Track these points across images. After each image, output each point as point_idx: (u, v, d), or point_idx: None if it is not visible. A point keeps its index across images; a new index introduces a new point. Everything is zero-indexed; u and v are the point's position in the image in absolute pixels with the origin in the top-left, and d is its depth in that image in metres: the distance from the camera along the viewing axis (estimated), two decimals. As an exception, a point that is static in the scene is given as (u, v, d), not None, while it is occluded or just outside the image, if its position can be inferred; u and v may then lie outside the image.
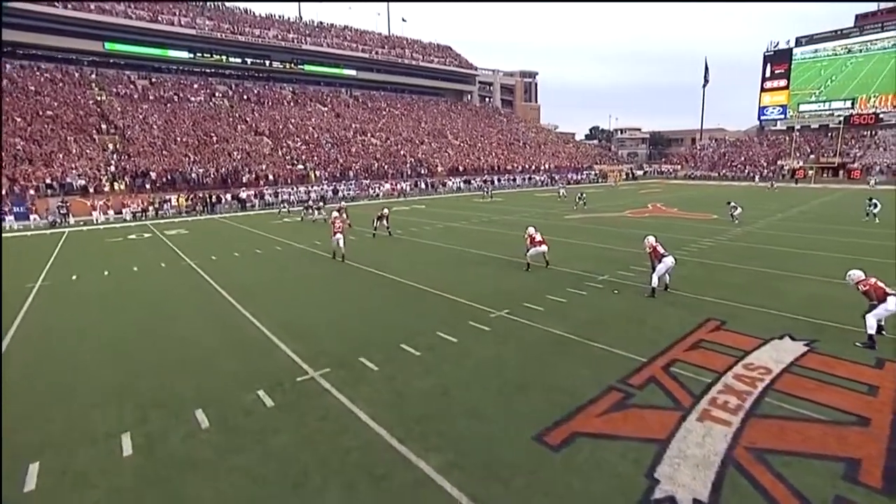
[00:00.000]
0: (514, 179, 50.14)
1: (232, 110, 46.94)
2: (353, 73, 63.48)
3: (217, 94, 49.32)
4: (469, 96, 79.35)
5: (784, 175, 47.20)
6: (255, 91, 52.92)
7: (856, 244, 14.85)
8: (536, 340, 7.44)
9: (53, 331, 8.50)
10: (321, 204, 24.70)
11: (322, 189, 34.26)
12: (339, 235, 13.47)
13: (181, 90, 47.36)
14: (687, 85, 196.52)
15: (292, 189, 33.21)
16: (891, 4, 56.35)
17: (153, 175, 31.70)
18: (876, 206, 19.67)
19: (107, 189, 29.26)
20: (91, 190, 28.68)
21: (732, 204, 20.31)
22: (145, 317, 9.01)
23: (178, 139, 38.18)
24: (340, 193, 34.49)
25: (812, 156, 52.48)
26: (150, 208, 27.44)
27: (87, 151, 32.74)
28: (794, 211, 24.38)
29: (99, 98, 40.78)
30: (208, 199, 28.25)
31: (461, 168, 49.84)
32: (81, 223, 25.56)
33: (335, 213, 14.61)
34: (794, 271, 11.49)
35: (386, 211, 17.80)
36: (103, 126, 37.08)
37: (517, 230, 18.90)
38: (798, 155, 52.45)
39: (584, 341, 7.35)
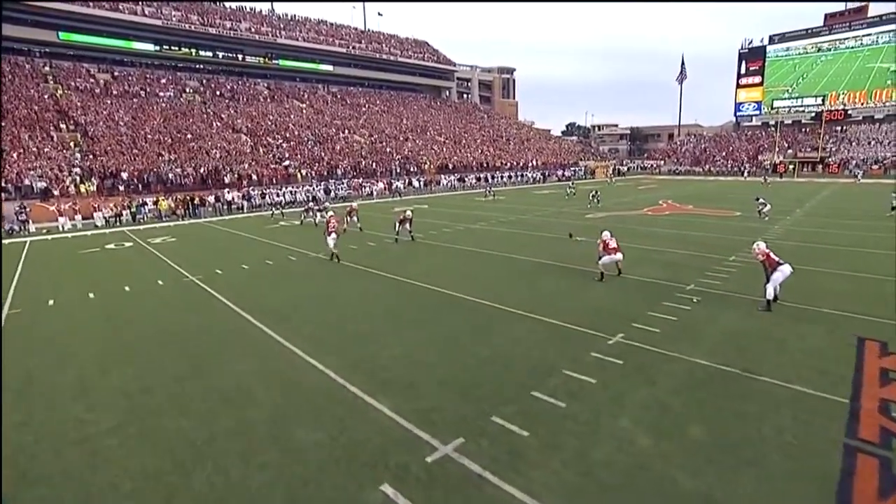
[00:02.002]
0: (510, 176, 48.91)
1: (205, 106, 43.79)
2: (329, 68, 60.97)
3: (188, 90, 45.98)
4: (447, 92, 77.89)
5: (767, 170, 47.92)
6: (229, 86, 49.73)
7: None
8: (688, 376, 6.06)
9: (38, 397, 5.93)
10: (326, 205, 22.64)
11: (313, 189, 32.02)
12: (334, 235, 13.26)
13: (148, 85, 43.80)
14: (660, 82, 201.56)
15: (281, 189, 30.83)
16: (858, 4, 58.30)
17: (125, 176, 28.72)
18: (902, 200, 19.39)
19: (73, 192, 26.19)
20: (56, 193, 25.58)
21: (761, 200, 19.65)
22: (164, 363, 6.85)
23: (149, 137, 35.04)
24: (332, 193, 32.34)
25: (790, 150, 53.66)
26: (126, 212, 24.64)
27: (46, 150, 29.39)
28: (808, 206, 24.06)
29: (55, 92, 37.00)
30: (190, 202, 25.64)
31: (450, 165, 48.29)
32: (44, 231, 22.62)
33: (330, 213, 14.03)
34: (876, 273, 10.63)
35: (409, 213, 16.12)
36: (62, 124, 33.55)
37: (548, 232, 17.64)
38: (777, 150, 53.51)
39: (744, 374, 6.03)
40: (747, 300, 9.01)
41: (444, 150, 53.02)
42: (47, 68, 40.07)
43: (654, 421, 5.06)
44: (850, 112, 56.41)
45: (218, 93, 47.74)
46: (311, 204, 22.87)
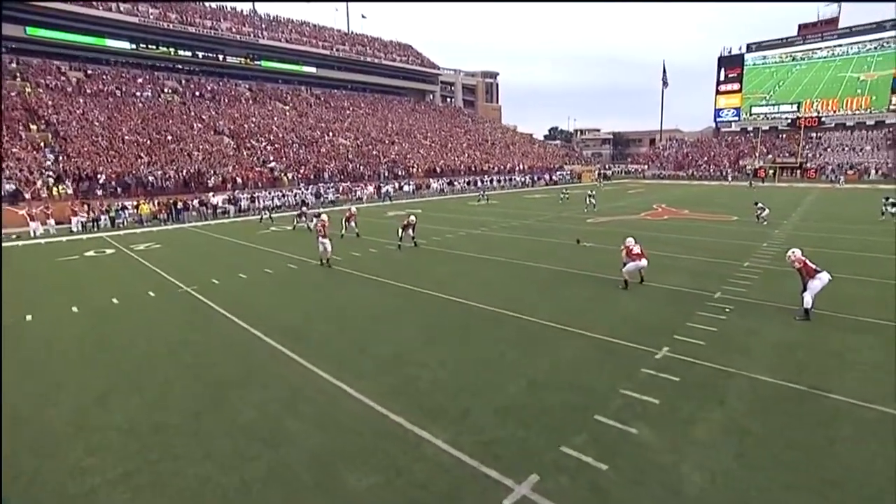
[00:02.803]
0: (499, 180, 48.60)
1: (185, 107, 42.26)
2: (313, 70, 59.95)
3: (167, 90, 44.38)
4: (431, 96, 77.56)
5: (748, 174, 48.94)
6: (210, 87, 48.23)
7: None
8: (754, 394, 5.67)
9: (26, 440, 5.03)
10: (320, 210, 21.80)
11: (302, 192, 31.04)
12: (326, 240, 12.81)
13: (124, 84, 42.05)
14: (639, 88, 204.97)
15: (270, 193, 29.77)
16: (829, 16, 60.18)
17: (102, 178, 27.28)
18: (894, 205, 19.73)
19: (45, 195, 24.68)
20: (28, 196, 24.04)
21: (760, 205, 19.73)
22: (174, 392, 5.98)
23: (127, 138, 33.50)
24: (322, 198, 31.44)
25: (769, 156, 54.96)
26: (104, 217, 23.30)
27: (15, 150, 27.71)
28: (800, 211, 24.38)
29: (24, 90, 35.08)
30: (174, 206, 24.44)
31: (438, 169, 47.81)
32: (14, 237, 21.12)
33: (323, 216, 13.57)
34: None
35: (413, 218, 15.55)
36: (32, 123, 31.77)
37: (554, 238, 17.28)
38: (757, 155, 54.77)
39: (813, 392, 5.67)
40: (779, 308, 8.76)
41: (431, 153, 52.54)
42: (14, 65, 38.01)
43: (741, 448, 4.62)
44: (823, 119, 58.19)
45: (198, 93, 46.23)
46: (304, 209, 21.96)
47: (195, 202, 25.54)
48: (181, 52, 48.39)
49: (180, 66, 49.03)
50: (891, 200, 20.02)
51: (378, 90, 67.01)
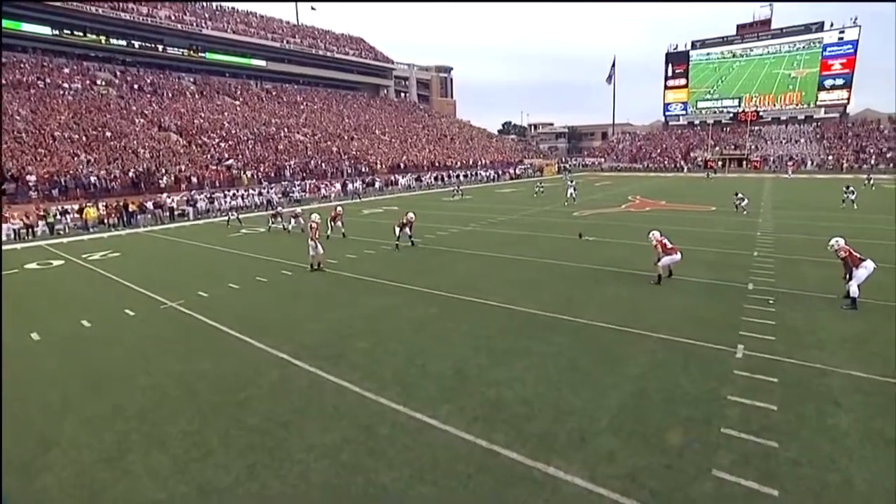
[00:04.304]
0: (466, 175, 47.92)
1: (123, 101, 38.54)
2: (262, 63, 56.91)
3: (100, 82, 40.29)
4: (386, 91, 75.80)
5: (700, 166, 51.33)
6: (149, 80, 44.38)
7: (881, 230, 15.07)
8: (864, 395, 5.36)
9: None
10: (297, 210, 20.19)
11: (267, 191, 28.98)
12: (316, 242, 11.93)
13: (47, 74, 37.71)
14: (587, 84, 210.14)
15: (236, 192, 27.51)
16: (763, 17, 64.18)
17: (32, 179, 24.11)
18: (853, 193, 20.94)
19: (-37, 201, 21.43)
20: (-58, 203, 20.77)
21: (740, 195, 20.32)
22: (208, 442, 4.79)
23: (57, 134, 29.95)
24: (288, 196, 29.53)
25: (717, 148, 57.97)
26: (40, 223, 20.51)
27: (-78, 151, 23.94)
28: (767, 200, 25.45)
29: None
30: (125, 209, 21.93)
31: (402, 165, 46.60)
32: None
33: (315, 217, 12.51)
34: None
35: (412, 216, 14.58)
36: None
37: (552, 232, 16.88)
38: (705, 147, 57.62)
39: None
40: (818, 298, 8.72)
41: (392, 149, 51.22)
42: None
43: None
44: (761, 114, 62.09)
45: (136, 86, 42.37)
46: (279, 209, 20.32)
47: (149, 204, 23.07)
48: (113, 41, 44.13)
49: (113, 56, 44.73)
50: (851, 189, 21.24)
51: (331, 85, 64.65)
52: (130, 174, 27.32)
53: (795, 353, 6.42)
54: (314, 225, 12.06)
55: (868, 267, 8.06)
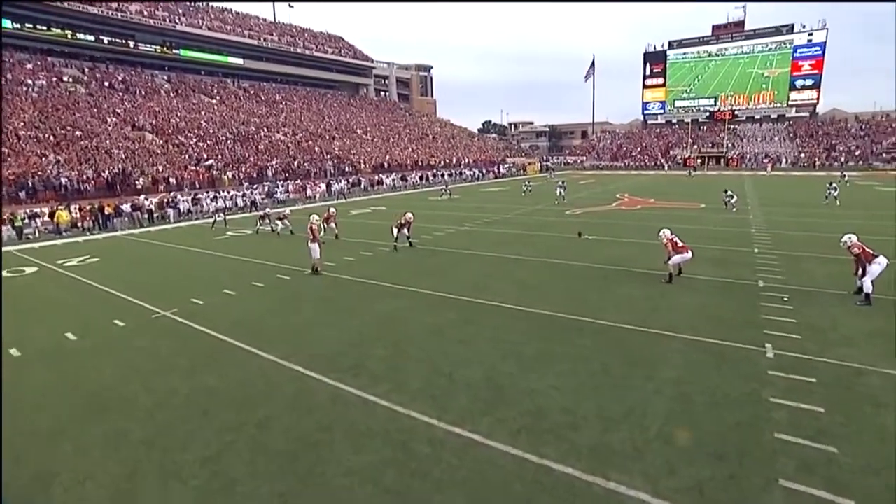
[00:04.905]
0: (451, 174, 47.51)
1: (93, 99, 36.92)
2: (239, 61, 55.48)
3: (67, 78, 38.49)
4: (366, 89, 74.88)
5: (680, 164, 52.23)
6: (120, 77, 42.68)
7: (869, 226, 15.33)
8: (905, 392, 5.25)
9: None
10: (286, 211, 19.51)
11: (251, 192, 28.09)
12: (315, 244, 11.46)
13: (8, 70, 35.74)
14: (566, 83, 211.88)
15: (219, 194, 26.54)
16: (736, 19, 65.77)
17: (-3, 183, 22.74)
18: (836, 189, 21.48)
19: (-77, 206, 20.03)
20: None
21: (729, 193, 20.59)
22: (233, 469, 4.35)
23: (22, 133, 28.39)
24: (274, 197, 28.70)
25: (695, 146, 59.13)
26: (7, 228, 19.32)
27: None
28: (752, 197, 25.88)
29: None
30: (100, 212, 20.86)
31: (385, 164, 46.00)
32: None
33: (314, 217, 12.02)
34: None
35: (410, 216, 14.20)
36: None
37: (547, 231, 16.77)
38: (686, 145, 58.69)
39: (953, 384, 5.37)
40: (830, 294, 8.76)
41: (375, 148, 50.56)
42: None
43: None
44: (737, 112, 63.61)
45: (107, 84, 40.67)
46: (267, 210, 19.62)
47: (126, 206, 22.02)
48: (80, 36, 42.21)
49: (80, 52, 42.82)
50: (834, 185, 21.79)
51: (311, 83, 63.46)
52: (104, 175, 26.09)
53: (825, 351, 6.35)
54: (314, 226, 11.57)
55: (881, 262, 8.09)
